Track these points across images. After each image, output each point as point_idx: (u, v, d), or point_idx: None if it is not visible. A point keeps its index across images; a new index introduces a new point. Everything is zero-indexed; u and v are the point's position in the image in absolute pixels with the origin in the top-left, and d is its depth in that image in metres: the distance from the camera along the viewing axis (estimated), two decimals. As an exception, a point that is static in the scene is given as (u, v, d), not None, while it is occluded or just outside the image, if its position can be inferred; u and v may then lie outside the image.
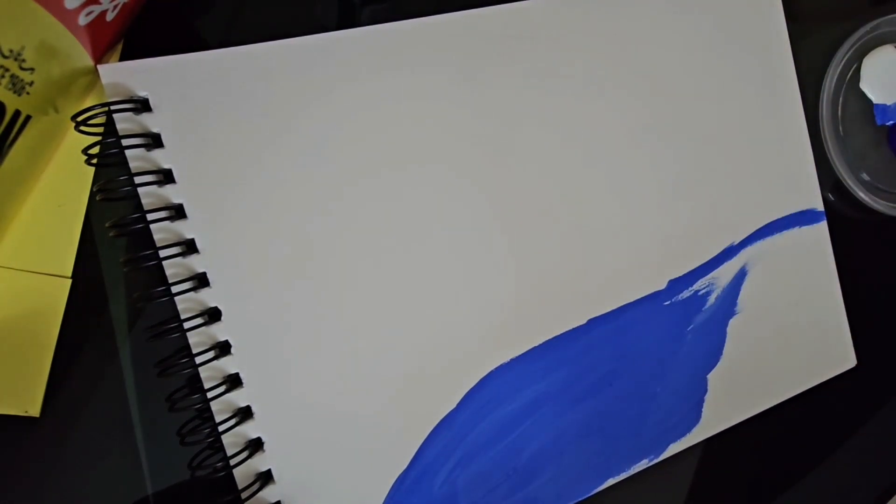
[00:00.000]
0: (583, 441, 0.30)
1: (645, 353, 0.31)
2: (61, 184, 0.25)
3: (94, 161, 0.23)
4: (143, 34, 0.25)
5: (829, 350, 0.34)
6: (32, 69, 0.21)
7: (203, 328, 0.24)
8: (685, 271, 0.31)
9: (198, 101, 0.24)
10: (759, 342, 0.33)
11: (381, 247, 0.26)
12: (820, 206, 0.34)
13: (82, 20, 0.21)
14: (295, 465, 0.25)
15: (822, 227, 0.34)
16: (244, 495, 0.24)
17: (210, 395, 0.24)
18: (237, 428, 0.25)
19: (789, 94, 0.33)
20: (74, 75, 0.23)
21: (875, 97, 0.34)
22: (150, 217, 0.23)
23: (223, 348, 0.25)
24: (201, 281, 0.24)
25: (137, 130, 0.23)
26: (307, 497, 0.26)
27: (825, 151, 0.34)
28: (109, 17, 0.23)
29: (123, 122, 0.23)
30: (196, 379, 0.24)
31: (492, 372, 0.28)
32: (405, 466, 0.27)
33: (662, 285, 0.31)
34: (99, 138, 0.23)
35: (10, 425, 0.24)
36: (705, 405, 0.32)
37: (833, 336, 0.34)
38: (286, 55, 0.25)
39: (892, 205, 0.34)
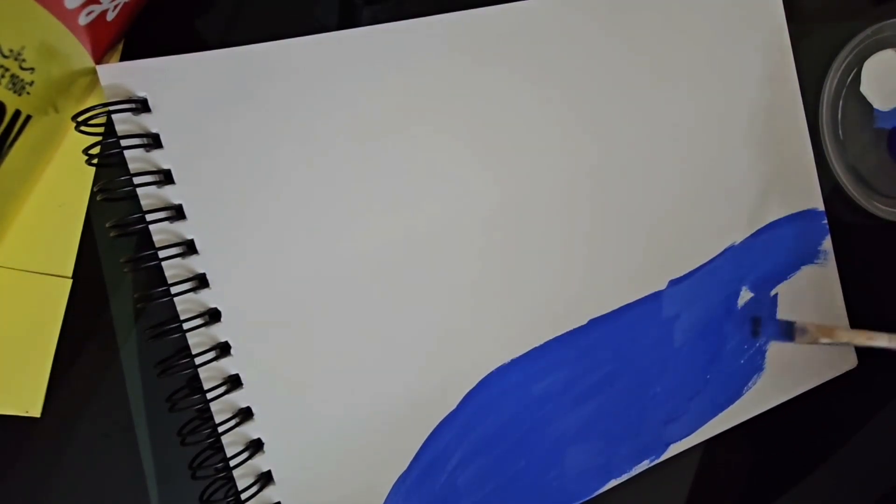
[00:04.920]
0: (584, 442, 0.30)
1: (645, 353, 0.31)
2: (61, 184, 0.25)
3: (95, 161, 0.23)
4: (144, 34, 0.25)
5: (831, 351, 0.34)
6: (32, 69, 0.21)
7: (203, 329, 0.24)
8: (686, 271, 0.31)
9: (197, 101, 0.24)
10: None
11: (381, 246, 0.26)
12: (820, 207, 0.34)
13: (83, 20, 0.21)
14: (295, 465, 0.25)
15: (823, 228, 0.34)
16: (244, 496, 0.24)
17: (210, 395, 0.24)
18: (237, 428, 0.25)
19: (790, 94, 0.33)
20: (75, 75, 0.23)
21: (875, 101, 0.34)
22: (149, 218, 0.23)
23: (223, 349, 0.25)
24: (201, 282, 0.24)
25: (137, 131, 0.23)
26: (307, 498, 0.26)
27: (824, 155, 0.34)
28: (110, 16, 0.23)
29: (122, 123, 0.23)
30: (196, 379, 0.24)
31: (492, 373, 0.28)
32: (406, 467, 0.27)
33: (663, 286, 0.31)
34: (99, 138, 0.22)
35: (10, 425, 0.24)
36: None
37: (834, 337, 0.34)
38: (286, 55, 0.25)
39: (889, 209, 0.34)
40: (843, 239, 0.34)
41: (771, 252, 0.33)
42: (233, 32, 0.26)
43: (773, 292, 0.33)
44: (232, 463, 0.24)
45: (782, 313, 0.33)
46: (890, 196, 0.35)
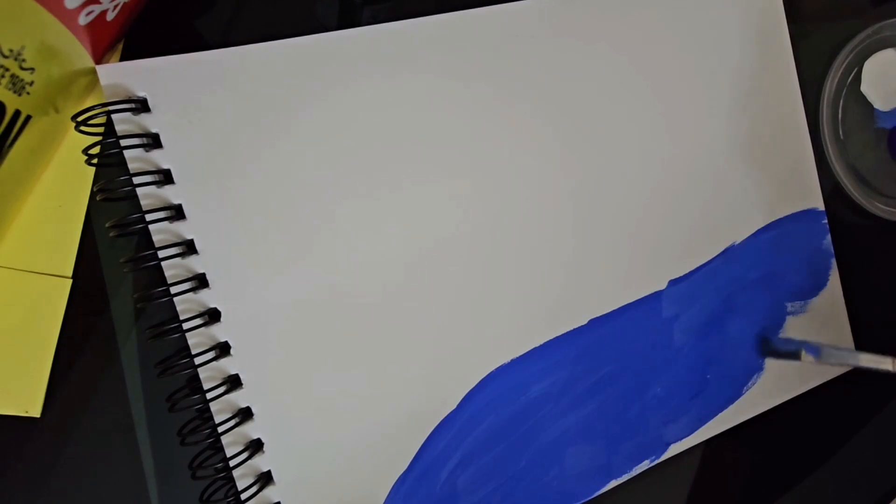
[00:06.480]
0: (584, 441, 0.29)
1: (646, 353, 0.31)
2: (61, 184, 0.25)
3: (95, 161, 0.23)
4: (144, 34, 0.25)
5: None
6: (32, 69, 0.21)
7: (202, 329, 0.24)
8: (686, 271, 0.31)
9: (197, 101, 0.24)
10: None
11: (381, 247, 0.26)
12: (821, 206, 0.34)
13: (83, 20, 0.21)
14: (295, 465, 0.25)
15: (824, 227, 0.34)
16: (244, 496, 0.24)
17: (210, 395, 0.24)
18: (237, 428, 0.25)
19: (790, 93, 0.33)
20: (75, 75, 0.23)
21: (876, 101, 0.34)
22: (149, 218, 0.23)
23: (223, 349, 0.25)
24: (201, 282, 0.24)
25: (136, 131, 0.23)
26: (307, 498, 0.26)
27: (824, 154, 0.34)
28: (110, 16, 0.23)
29: (122, 123, 0.23)
30: (196, 379, 0.24)
31: (492, 373, 0.28)
32: (406, 467, 0.27)
33: (663, 286, 0.31)
34: (99, 138, 0.22)
35: (10, 425, 0.24)
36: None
37: (834, 336, 0.34)
38: (286, 55, 0.25)
39: (889, 209, 0.34)
40: (843, 239, 0.34)
41: (771, 251, 0.33)
42: (233, 32, 0.26)
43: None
44: (232, 463, 0.24)
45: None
46: (890, 196, 0.35)
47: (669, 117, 0.31)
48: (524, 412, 0.29)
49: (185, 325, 0.24)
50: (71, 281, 0.25)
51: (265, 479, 0.25)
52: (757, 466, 0.34)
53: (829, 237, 0.34)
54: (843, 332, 0.35)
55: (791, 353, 0.30)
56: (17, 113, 0.21)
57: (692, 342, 0.31)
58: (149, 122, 0.23)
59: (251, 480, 0.25)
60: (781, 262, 0.33)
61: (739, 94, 0.32)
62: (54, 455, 0.25)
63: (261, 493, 0.25)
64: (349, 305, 0.26)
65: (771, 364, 0.33)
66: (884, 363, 0.28)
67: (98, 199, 0.23)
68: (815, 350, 0.30)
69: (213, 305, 0.24)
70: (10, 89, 0.20)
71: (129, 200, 0.23)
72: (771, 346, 0.31)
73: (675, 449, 0.31)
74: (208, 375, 0.24)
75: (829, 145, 0.34)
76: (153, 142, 0.24)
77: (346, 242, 0.26)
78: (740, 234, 0.32)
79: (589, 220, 0.29)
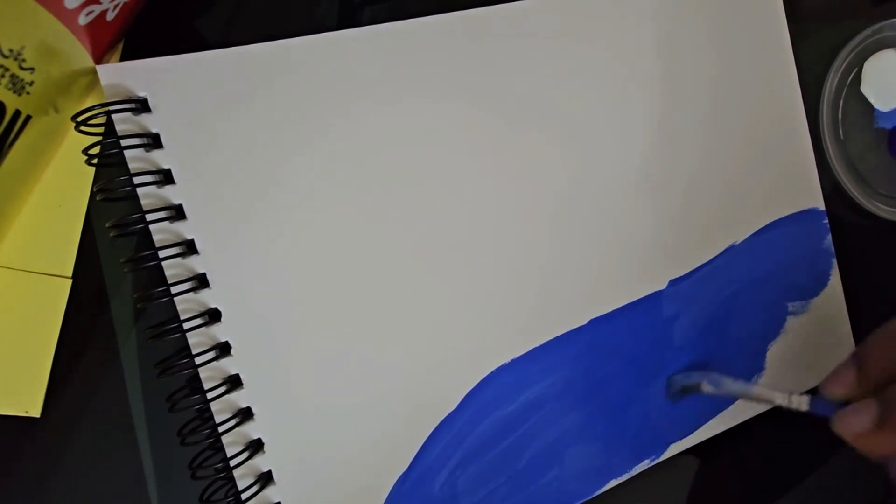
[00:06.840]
0: (584, 442, 0.29)
1: (646, 353, 0.30)
2: (61, 184, 0.25)
3: (95, 161, 0.23)
4: (144, 34, 0.25)
5: (832, 349, 0.34)
6: (32, 69, 0.21)
7: (203, 329, 0.24)
8: (686, 271, 0.31)
9: (197, 101, 0.24)
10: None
11: (382, 246, 0.26)
12: (821, 206, 0.34)
13: (82, 20, 0.21)
14: (295, 465, 0.25)
15: (824, 227, 0.34)
16: (244, 496, 0.24)
17: (210, 395, 0.24)
18: (238, 428, 0.25)
19: (790, 93, 0.33)
20: (75, 75, 0.23)
21: (876, 101, 0.34)
22: (149, 218, 0.23)
23: (223, 349, 0.25)
24: (201, 282, 0.24)
25: (137, 131, 0.23)
26: (308, 498, 0.26)
27: (825, 154, 0.34)
28: (110, 16, 0.23)
29: (122, 123, 0.23)
30: (196, 379, 0.24)
31: (492, 373, 0.28)
32: (406, 467, 0.27)
33: (663, 285, 0.31)
34: (99, 138, 0.22)
35: (10, 425, 0.25)
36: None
37: (835, 336, 0.34)
38: (286, 55, 0.25)
39: (889, 209, 0.34)
40: (843, 239, 0.34)
41: (772, 251, 0.33)
42: (233, 32, 0.26)
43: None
44: (232, 463, 0.24)
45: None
46: (890, 196, 0.35)
47: (668, 117, 0.31)
48: (524, 412, 0.29)
49: (186, 325, 0.24)
50: (71, 281, 0.25)
51: (265, 479, 0.25)
52: (757, 466, 0.34)
53: (829, 237, 0.34)
54: (843, 332, 0.35)
55: (693, 385, 0.29)
56: (17, 113, 0.21)
57: (692, 342, 0.31)
58: (149, 122, 0.23)
59: (251, 480, 0.25)
60: (782, 262, 0.33)
61: (739, 94, 0.32)
62: (54, 455, 0.25)
63: (261, 493, 0.25)
64: (349, 306, 0.26)
65: (771, 364, 0.33)
66: (775, 397, 0.27)
67: (98, 199, 0.23)
68: (715, 381, 0.29)
69: (213, 305, 0.24)
70: (10, 89, 0.20)
71: (130, 200, 0.23)
72: (675, 384, 0.30)
73: (674, 449, 0.31)
74: (208, 375, 0.24)
75: (829, 145, 0.34)
76: (153, 142, 0.24)
77: (347, 243, 0.26)
78: (741, 234, 0.32)
79: (589, 219, 0.29)
